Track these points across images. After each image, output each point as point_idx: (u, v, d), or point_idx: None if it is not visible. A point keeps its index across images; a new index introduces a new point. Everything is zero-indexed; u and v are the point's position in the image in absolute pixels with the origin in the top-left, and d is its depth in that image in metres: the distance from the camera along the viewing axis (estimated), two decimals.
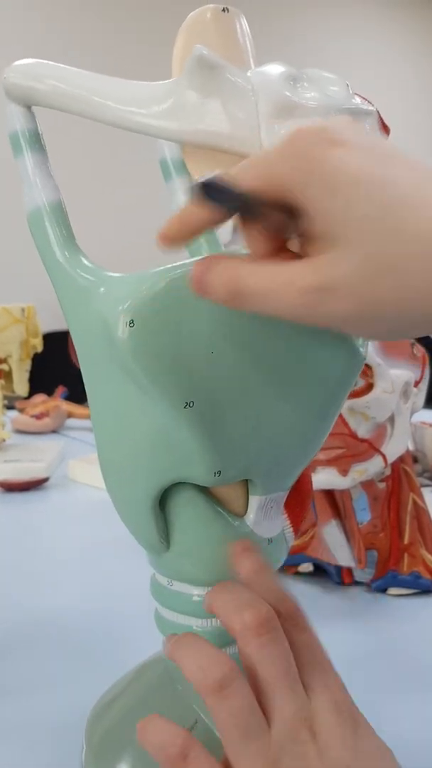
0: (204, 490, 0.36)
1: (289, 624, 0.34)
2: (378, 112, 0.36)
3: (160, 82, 0.34)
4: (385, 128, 0.36)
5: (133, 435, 0.35)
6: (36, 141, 0.36)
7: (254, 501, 0.37)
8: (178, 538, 0.37)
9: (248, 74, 0.33)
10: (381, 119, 0.36)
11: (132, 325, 0.31)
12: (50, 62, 0.35)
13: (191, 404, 0.32)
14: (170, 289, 0.32)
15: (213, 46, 0.36)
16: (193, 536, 0.37)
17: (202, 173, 0.37)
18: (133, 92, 0.33)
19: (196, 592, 0.38)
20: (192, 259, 0.32)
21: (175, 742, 0.32)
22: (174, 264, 0.32)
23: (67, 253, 0.35)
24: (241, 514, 0.37)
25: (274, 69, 0.33)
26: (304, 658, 0.34)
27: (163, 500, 0.36)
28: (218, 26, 0.36)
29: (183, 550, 0.37)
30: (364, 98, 0.35)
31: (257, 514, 0.37)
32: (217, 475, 0.34)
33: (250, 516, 0.37)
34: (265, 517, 0.37)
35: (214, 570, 0.37)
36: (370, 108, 0.35)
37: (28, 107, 0.35)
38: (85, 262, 0.35)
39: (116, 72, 0.35)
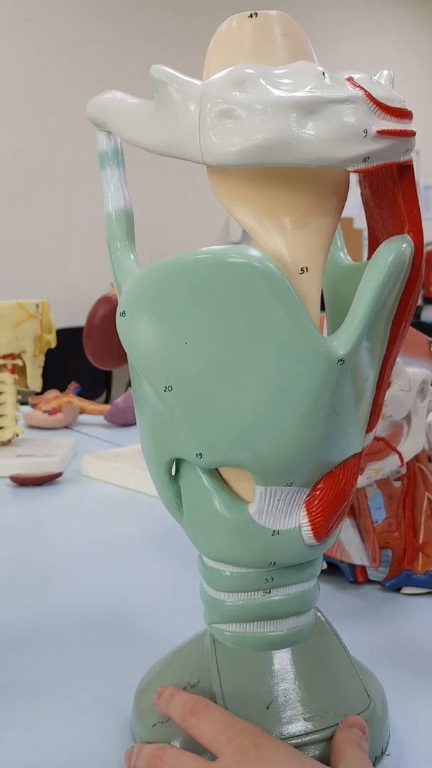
0: (210, 469, 0.39)
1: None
2: (372, 97, 0.33)
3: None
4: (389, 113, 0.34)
5: (144, 410, 0.40)
6: (114, 159, 0.41)
7: (256, 490, 0.38)
8: (186, 507, 0.41)
9: (198, 83, 0.35)
10: (380, 105, 0.33)
11: (124, 315, 0.37)
12: (119, 93, 0.38)
13: (170, 389, 0.37)
14: (151, 283, 0.36)
15: (243, 51, 0.36)
16: (195, 508, 0.40)
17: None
18: (142, 112, 0.37)
19: (226, 569, 0.41)
20: (181, 254, 0.35)
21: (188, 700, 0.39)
22: (169, 258, 0.36)
23: (121, 247, 0.40)
24: (249, 501, 0.39)
25: (224, 72, 0.34)
26: None
27: (178, 469, 0.41)
28: (247, 32, 0.37)
29: (190, 518, 0.41)
30: (355, 84, 0.33)
31: (258, 503, 0.39)
32: (198, 456, 0.38)
33: (253, 504, 0.39)
34: (269, 509, 0.39)
35: (215, 544, 0.40)
36: (346, 94, 0.33)
37: (107, 132, 0.40)
38: (132, 256, 0.40)
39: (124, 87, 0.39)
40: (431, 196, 4.30)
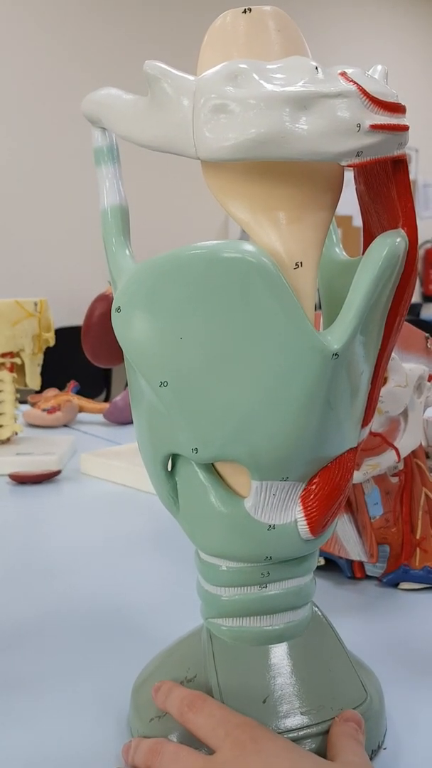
0: (206, 464, 0.39)
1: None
2: (365, 92, 0.33)
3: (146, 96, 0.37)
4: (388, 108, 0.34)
5: (140, 405, 0.40)
6: (109, 155, 0.40)
7: (252, 485, 0.39)
8: (182, 503, 0.41)
9: (191, 78, 0.35)
10: (374, 100, 0.33)
11: (119, 311, 0.37)
12: (113, 90, 0.38)
13: (165, 384, 0.37)
14: (146, 279, 0.36)
15: (237, 47, 0.36)
16: (191, 503, 0.41)
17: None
18: (136, 108, 0.37)
19: (223, 563, 0.41)
20: (175, 249, 0.35)
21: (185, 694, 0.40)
22: (164, 253, 0.36)
23: (116, 243, 0.40)
24: (245, 495, 0.39)
25: (217, 67, 0.34)
26: None
27: (174, 465, 0.41)
28: (241, 27, 0.37)
29: (186, 514, 0.41)
30: (349, 79, 0.33)
31: (254, 498, 0.39)
32: (194, 451, 0.38)
33: (249, 499, 0.39)
34: (264, 504, 0.39)
35: (211, 539, 0.40)
36: (339, 89, 0.33)
37: (102, 128, 0.40)
38: (127, 252, 0.40)
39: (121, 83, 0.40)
40: (430, 194, 4.30)
